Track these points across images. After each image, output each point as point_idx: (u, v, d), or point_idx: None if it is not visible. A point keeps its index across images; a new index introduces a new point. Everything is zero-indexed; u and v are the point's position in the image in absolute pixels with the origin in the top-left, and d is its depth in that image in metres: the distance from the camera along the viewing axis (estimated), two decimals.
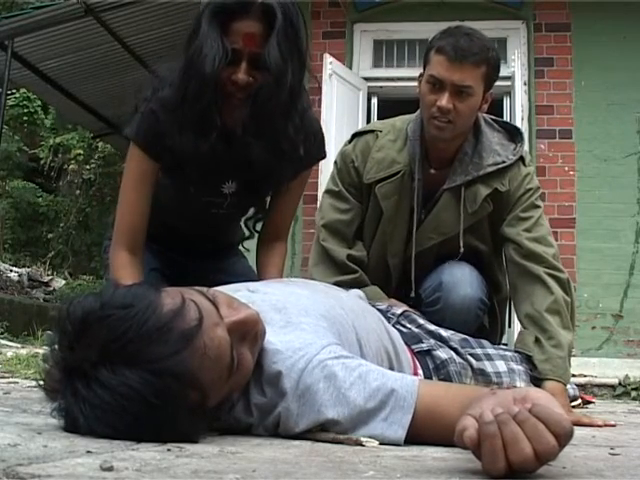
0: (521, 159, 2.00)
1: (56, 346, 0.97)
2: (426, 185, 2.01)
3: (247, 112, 1.60)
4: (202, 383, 0.96)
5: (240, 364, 1.03)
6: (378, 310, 1.59)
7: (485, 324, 2.06)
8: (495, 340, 2.04)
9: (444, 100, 1.86)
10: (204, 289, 1.08)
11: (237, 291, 1.24)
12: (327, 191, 2.13)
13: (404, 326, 1.65)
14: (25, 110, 11.90)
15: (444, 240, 2.00)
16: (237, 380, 1.04)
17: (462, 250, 1.97)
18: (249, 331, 1.06)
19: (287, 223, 1.92)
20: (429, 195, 2.02)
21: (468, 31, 1.90)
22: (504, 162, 1.97)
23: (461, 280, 1.94)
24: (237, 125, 1.63)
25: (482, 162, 1.96)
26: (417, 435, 1.00)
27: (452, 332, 1.68)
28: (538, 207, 1.99)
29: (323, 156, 1.85)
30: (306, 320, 1.16)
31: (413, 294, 2.02)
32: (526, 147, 4.45)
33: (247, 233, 1.93)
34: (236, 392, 1.06)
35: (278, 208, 1.86)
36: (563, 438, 0.74)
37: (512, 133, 2.06)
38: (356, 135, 2.13)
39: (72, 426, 0.94)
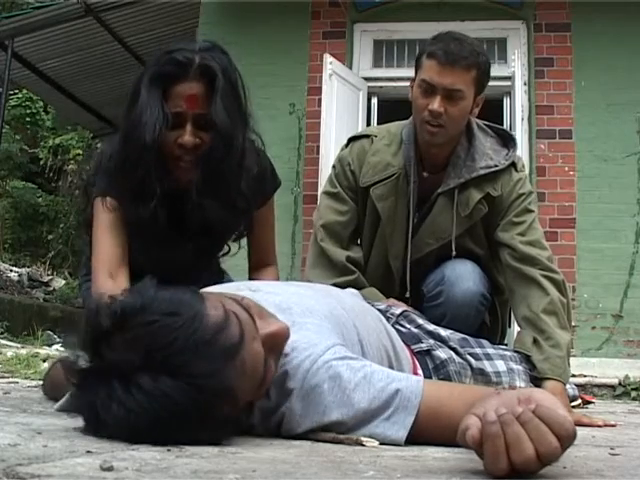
0: (513, 165, 2.02)
1: (86, 340, 0.94)
2: (421, 188, 2.03)
3: (199, 174, 1.61)
4: (237, 397, 0.95)
5: (267, 376, 1.02)
6: (377, 310, 1.58)
7: (486, 321, 2.07)
8: (495, 340, 2.04)
9: (435, 104, 1.88)
10: (238, 297, 1.06)
11: (239, 291, 1.23)
12: (325, 192, 2.15)
13: (403, 326, 1.65)
14: (27, 111, 11.90)
15: (442, 245, 2.01)
16: (261, 391, 1.04)
17: (454, 253, 1.99)
18: (279, 344, 1.05)
19: (270, 249, 1.96)
20: (424, 199, 2.04)
21: (458, 36, 1.93)
22: (496, 166, 1.99)
23: (463, 275, 1.96)
24: (190, 187, 1.63)
25: (475, 165, 1.98)
26: (421, 435, 1.00)
27: (451, 332, 1.68)
28: (531, 211, 2.00)
29: (278, 185, 1.91)
30: (310, 320, 1.16)
31: (408, 294, 2.04)
32: (524, 151, 4.47)
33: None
34: (257, 400, 1.06)
35: (255, 240, 1.92)
36: (565, 440, 0.75)
37: (505, 139, 2.08)
38: (352, 139, 2.16)
39: (93, 423, 0.92)
